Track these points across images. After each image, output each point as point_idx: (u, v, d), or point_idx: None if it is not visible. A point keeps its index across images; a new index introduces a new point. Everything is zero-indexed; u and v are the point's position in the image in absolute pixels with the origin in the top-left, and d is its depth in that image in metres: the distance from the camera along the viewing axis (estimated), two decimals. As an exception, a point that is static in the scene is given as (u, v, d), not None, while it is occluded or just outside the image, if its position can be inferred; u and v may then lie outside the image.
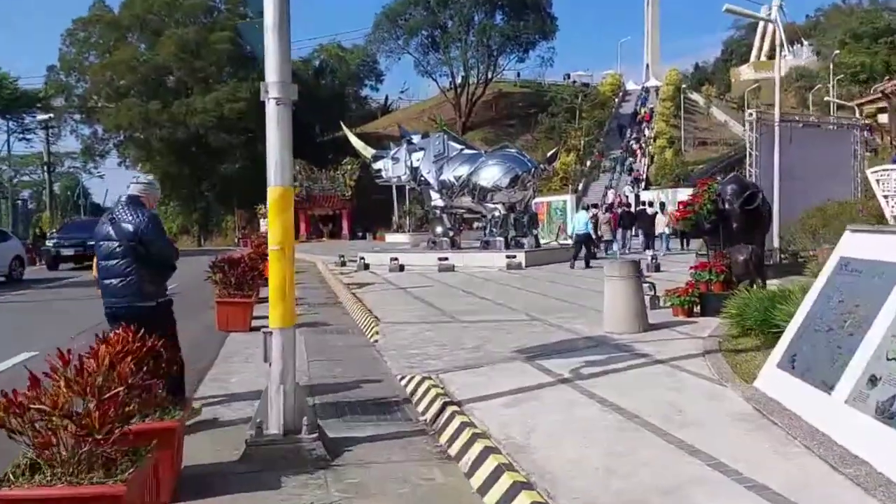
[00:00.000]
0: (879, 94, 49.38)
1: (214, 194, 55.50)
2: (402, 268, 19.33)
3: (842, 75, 65.93)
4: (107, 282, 5.09)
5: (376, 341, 9.02)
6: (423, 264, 20.14)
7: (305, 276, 21.04)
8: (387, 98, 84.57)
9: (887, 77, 57.30)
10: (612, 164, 51.94)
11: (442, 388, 5.98)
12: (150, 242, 5.04)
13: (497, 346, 8.09)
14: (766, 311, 7.22)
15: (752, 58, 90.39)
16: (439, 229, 22.43)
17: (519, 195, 20.55)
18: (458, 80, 64.52)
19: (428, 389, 5.97)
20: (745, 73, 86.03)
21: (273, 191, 4.85)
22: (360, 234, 49.24)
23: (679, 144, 54.95)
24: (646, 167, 52.43)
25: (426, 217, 34.56)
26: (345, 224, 50.55)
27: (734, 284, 9.37)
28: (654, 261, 16.44)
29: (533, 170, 20.67)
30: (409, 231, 39.89)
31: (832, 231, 16.16)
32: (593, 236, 20.66)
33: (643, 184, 49.51)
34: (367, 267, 20.09)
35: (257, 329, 9.00)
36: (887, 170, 20.66)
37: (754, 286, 9.55)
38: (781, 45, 18.16)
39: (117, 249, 5.03)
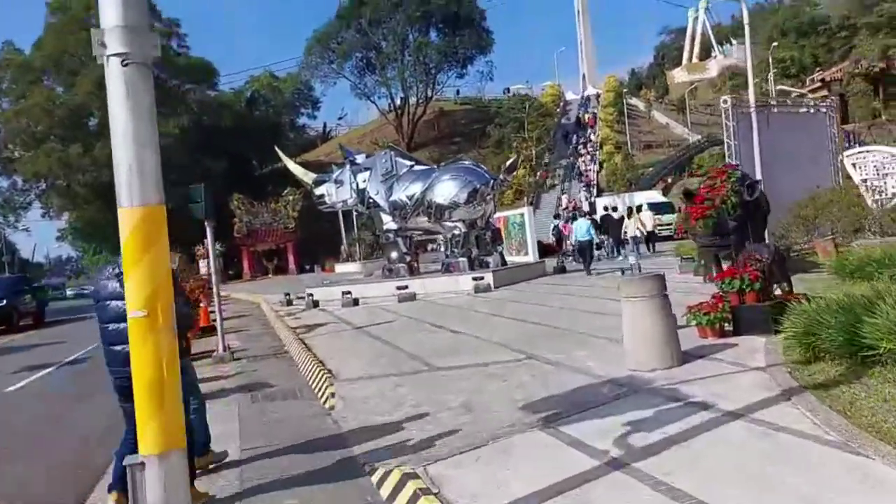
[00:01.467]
0: (819, 83, 49.80)
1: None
2: (356, 302, 17.19)
3: (774, 70, 66.85)
4: (118, 348, 4.41)
5: (332, 407, 6.93)
6: (380, 295, 18.03)
7: (247, 320, 18.71)
8: (325, 125, 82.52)
9: (818, 68, 58.20)
10: (565, 172, 50.88)
11: (437, 497, 3.94)
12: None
13: (494, 402, 6.11)
14: (850, 328, 5.41)
15: (685, 60, 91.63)
16: (394, 254, 20.37)
17: (479, 210, 18.65)
18: (398, 101, 62.95)
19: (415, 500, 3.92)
20: (679, 75, 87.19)
21: (129, 214, 2.79)
22: (307, 267, 46.69)
23: (626, 149, 54.31)
24: (595, 173, 51.59)
25: (377, 243, 32.46)
26: (290, 258, 47.93)
27: (770, 293, 7.60)
28: (639, 269, 14.72)
29: (492, 182, 18.83)
30: (359, 259, 37.62)
31: (826, 220, 14.73)
32: (595, 242, 20.59)
33: (595, 188, 48.50)
34: (316, 304, 17.85)
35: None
36: (863, 152, 19.55)
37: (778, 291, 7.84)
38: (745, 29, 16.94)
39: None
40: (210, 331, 15.67)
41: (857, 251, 10.74)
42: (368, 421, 6.16)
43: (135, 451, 3.97)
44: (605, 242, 25.39)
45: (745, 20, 16.98)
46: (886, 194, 17.09)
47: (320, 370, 8.57)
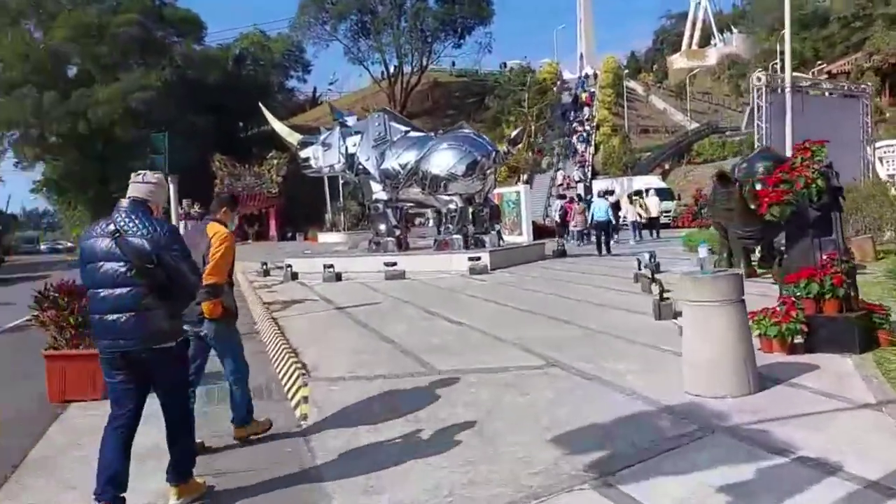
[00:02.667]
0: (826, 76, 48.42)
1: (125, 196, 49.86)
2: (338, 277, 15.62)
3: (775, 62, 65.75)
4: (110, 318, 3.77)
5: (305, 416, 5.44)
6: (365, 270, 16.49)
7: (219, 290, 17.11)
8: (315, 89, 79.99)
9: (819, 62, 56.80)
10: (561, 150, 49.37)
11: None
12: (174, 264, 3.78)
13: (515, 428, 4.69)
14: None
15: (684, 46, 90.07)
16: (383, 227, 18.77)
17: (478, 185, 17.08)
18: (392, 69, 60.79)
19: None
20: (679, 61, 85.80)
21: None
22: (289, 234, 44.95)
23: (624, 132, 52.78)
24: (591, 155, 50.12)
25: (364, 213, 30.79)
26: (272, 224, 46.12)
27: (855, 301, 6.16)
28: (653, 259, 13.27)
29: (493, 154, 17.25)
30: (344, 230, 35.95)
31: (865, 217, 13.37)
32: (613, 223, 21.02)
33: (590, 169, 47.09)
34: (295, 277, 16.26)
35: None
36: (893, 145, 18.18)
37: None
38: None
39: (126, 274, 3.74)
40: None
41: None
42: (351, 444, 4.68)
43: (130, 429, 3.81)
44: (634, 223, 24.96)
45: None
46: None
47: (292, 363, 7.05)
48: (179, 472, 3.95)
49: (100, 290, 3.82)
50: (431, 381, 6.13)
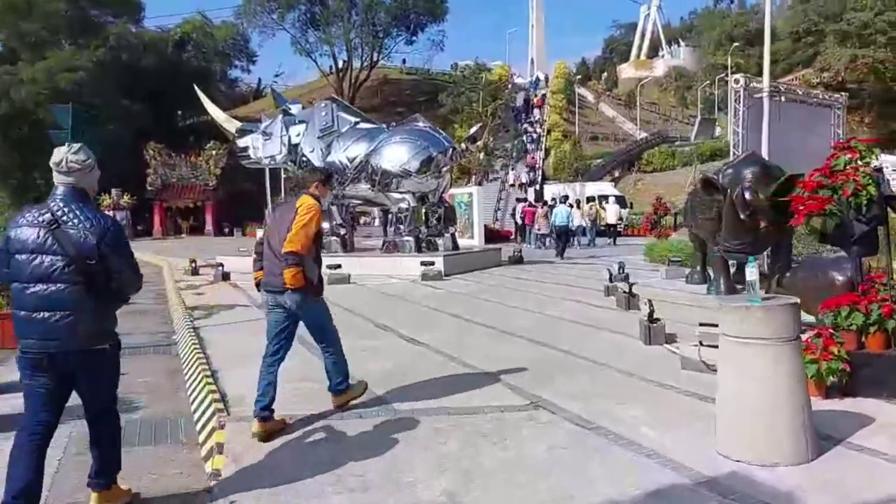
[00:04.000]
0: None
1: (49, 185, 46.56)
2: (276, 279, 14.06)
3: (722, 75, 66.87)
4: (39, 315, 3.43)
5: (218, 473, 4.05)
6: (306, 273, 14.97)
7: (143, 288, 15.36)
8: (260, 81, 77.31)
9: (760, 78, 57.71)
10: (513, 150, 48.68)
11: None
12: (115, 261, 3.50)
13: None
14: None
15: (633, 56, 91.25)
16: (326, 225, 17.25)
17: (433, 183, 15.77)
18: (341, 63, 58.90)
19: None
20: (627, 71, 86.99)
21: None
22: (226, 230, 42.69)
23: (574, 137, 52.36)
24: (542, 159, 49.47)
25: (306, 211, 29.08)
26: (209, 218, 43.76)
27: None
28: (621, 270, 12.24)
29: (450, 151, 15.97)
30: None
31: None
32: (571, 228, 22.35)
33: (540, 172, 46.43)
34: (226, 277, 14.59)
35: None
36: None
37: None
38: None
39: (63, 269, 3.42)
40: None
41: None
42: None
43: (46, 438, 3.50)
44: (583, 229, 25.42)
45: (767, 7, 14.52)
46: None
47: (210, 392, 5.60)
48: (102, 478, 3.67)
49: (29, 285, 3.45)
50: (386, 425, 4.79)
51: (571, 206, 23.73)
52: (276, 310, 4.91)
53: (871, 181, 4.99)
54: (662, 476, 3.76)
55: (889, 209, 5.29)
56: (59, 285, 3.43)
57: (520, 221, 26.28)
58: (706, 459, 3.91)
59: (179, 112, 55.87)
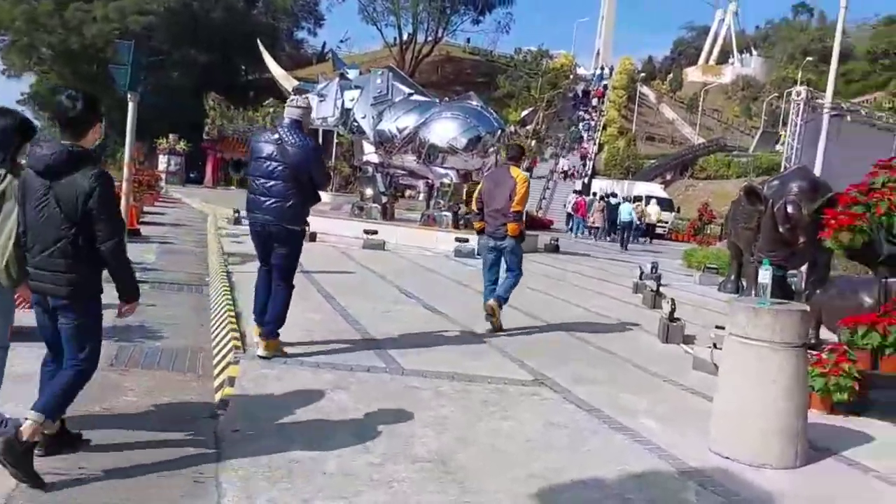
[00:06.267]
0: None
1: (111, 120, 47.90)
2: (312, 237, 14.24)
3: (791, 89, 64.65)
4: (264, 199, 5.12)
5: (224, 405, 4.25)
6: (343, 235, 15.25)
7: (183, 231, 15.92)
8: (324, 45, 77.73)
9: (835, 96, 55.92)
10: (566, 138, 48.19)
11: None
12: (314, 172, 5.26)
13: (490, 468, 3.53)
14: None
15: (701, 60, 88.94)
16: (369, 191, 17.50)
17: (478, 162, 15.81)
18: (406, 35, 58.99)
19: None
20: (693, 74, 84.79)
21: None
22: (275, 186, 43.34)
23: (630, 135, 51.58)
24: (594, 153, 48.95)
25: (354, 176, 29.40)
26: (258, 173, 44.44)
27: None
28: (654, 269, 12.15)
29: (500, 132, 15.98)
30: (331, 190, 34.54)
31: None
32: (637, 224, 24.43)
33: (591, 164, 46.03)
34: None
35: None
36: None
37: None
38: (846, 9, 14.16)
39: (281, 171, 5.09)
40: (134, 235, 12.86)
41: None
42: (273, 464, 3.48)
43: (267, 269, 5.44)
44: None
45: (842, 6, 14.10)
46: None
47: (230, 326, 5.85)
48: (269, 326, 5.29)
49: (261, 179, 5.13)
50: (392, 382, 4.95)
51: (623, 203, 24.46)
52: (493, 251, 6.83)
53: (909, 201, 4.93)
54: (650, 462, 3.83)
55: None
56: (277, 182, 5.08)
57: (571, 212, 27.01)
58: (696, 453, 3.97)
59: (243, 67, 56.71)
